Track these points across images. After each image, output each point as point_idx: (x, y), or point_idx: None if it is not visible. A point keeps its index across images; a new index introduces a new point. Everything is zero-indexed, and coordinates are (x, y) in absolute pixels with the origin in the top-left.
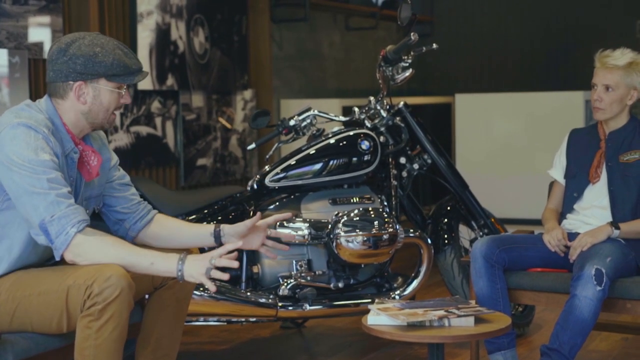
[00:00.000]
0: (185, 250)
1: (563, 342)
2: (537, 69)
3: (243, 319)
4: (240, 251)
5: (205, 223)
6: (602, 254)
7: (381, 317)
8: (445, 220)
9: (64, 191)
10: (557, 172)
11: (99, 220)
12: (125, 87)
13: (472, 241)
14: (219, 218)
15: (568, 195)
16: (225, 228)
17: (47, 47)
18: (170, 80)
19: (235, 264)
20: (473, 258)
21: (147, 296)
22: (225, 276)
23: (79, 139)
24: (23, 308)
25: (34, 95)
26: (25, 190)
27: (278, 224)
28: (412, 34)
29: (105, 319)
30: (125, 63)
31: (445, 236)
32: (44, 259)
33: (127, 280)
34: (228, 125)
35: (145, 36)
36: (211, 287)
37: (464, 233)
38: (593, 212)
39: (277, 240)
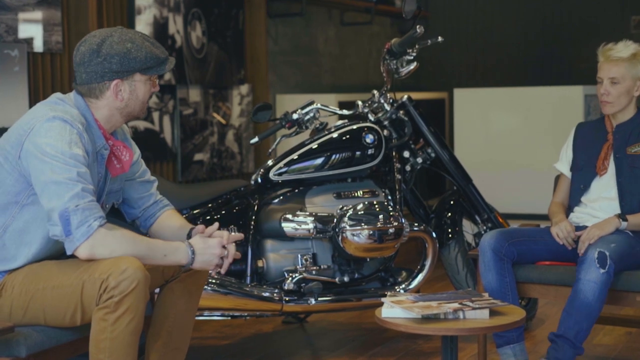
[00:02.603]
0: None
1: (568, 327)
2: (531, 64)
3: (248, 314)
4: (245, 245)
5: (208, 218)
6: (607, 240)
7: (395, 309)
8: (449, 214)
9: (90, 187)
10: (564, 165)
11: (114, 216)
12: (155, 76)
13: (475, 235)
14: (223, 212)
15: (575, 187)
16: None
17: (44, 41)
18: (167, 75)
19: (237, 255)
20: (482, 251)
21: (157, 290)
22: (235, 255)
23: (110, 135)
24: (37, 301)
25: (32, 89)
26: (53, 179)
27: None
28: (417, 27)
29: (121, 312)
30: (156, 54)
31: (449, 230)
32: (59, 254)
33: (143, 272)
34: (223, 121)
35: (142, 30)
36: (223, 270)
37: (468, 227)
38: (601, 204)
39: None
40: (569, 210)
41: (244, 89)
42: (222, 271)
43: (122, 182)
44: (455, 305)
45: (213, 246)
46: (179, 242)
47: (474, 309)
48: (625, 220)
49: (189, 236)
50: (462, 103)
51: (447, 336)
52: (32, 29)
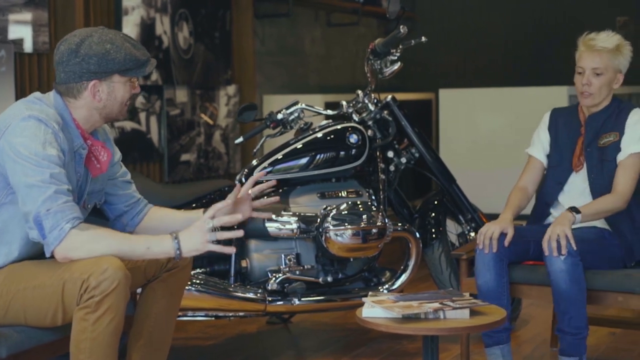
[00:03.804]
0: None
1: (560, 319)
2: (518, 64)
3: (231, 314)
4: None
5: None
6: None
7: (376, 309)
8: (433, 214)
9: (64, 188)
10: (537, 149)
11: (95, 216)
12: (135, 78)
13: (459, 235)
14: None
15: (551, 185)
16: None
17: (31, 41)
18: (154, 75)
19: (240, 233)
20: (481, 251)
21: (138, 290)
22: (239, 232)
23: (88, 134)
24: (17, 301)
25: (19, 90)
26: (26, 182)
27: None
28: (401, 27)
29: (102, 312)
30: (136, 56)
31: (433, 230)
32: (40, 254)
33: (123, 272)
34: (210, 122)
35: (130, 31)
36: (226, 250)
37: (452, 227)
38: (577, 202)
39: (263, 197)
40: (545, 207)
41: (231, 89)
42: (229, 250)
43: (104, 183)
44: (436, 305)
45: (196, 227)
46: (163, 234)
47: (454, 308)
48: (578, 212)
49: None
50: (447, 103)
51: (427, 336)
52: (22, 29)
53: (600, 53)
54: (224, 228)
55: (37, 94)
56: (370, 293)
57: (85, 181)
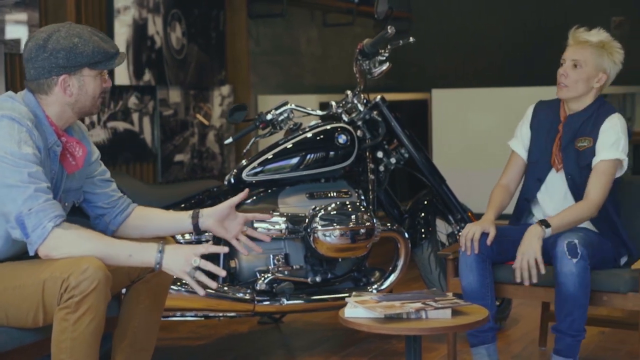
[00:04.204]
0: (161, 240)
1: (561, 319)
2: (514, 65)
3: (220, 314)
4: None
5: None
6: (573, 230)
7: (358, 309)
8: (423, 214)
9: (43, 186)
10: (518, 143)
11: (78, 215)
12: (104, 71)
13: (449, 235)
14: None
15: (532, 181)
16: (205, 212)
17: (23, 42)
18: (147, 76)
19: (222, 273)
20: (463, 252)
21: (123, 290)
22: (214, 284)
23: (62, 131)
24: None
25: (10, 89)
26: (5, 183)
27: (255, 222)
28: (388, 27)
29: (82, 312)
30: (105, 48)
31: (423, 230)
32: (21, 253)
33: (103, 272)
34: (206, 122)
35: (122, 31)
36: (198, 289)
37: (442, 227)
38: (556, 205)
39: (252, 239)
40: (525, 202)
41: (225, 89)
42: (200, 292)
43: (81, 180)
44: (418, 305)
45: (185, 252)
46: (149, 242)
47: (436, 308)
48: (548, 226)
49: (195, 217)
50: (440, 103)
51: (410, 336)
52: (13, 30)
53: (583, 45)
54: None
55: (9, 92)
56: (354, 293)
57: (61, 179)
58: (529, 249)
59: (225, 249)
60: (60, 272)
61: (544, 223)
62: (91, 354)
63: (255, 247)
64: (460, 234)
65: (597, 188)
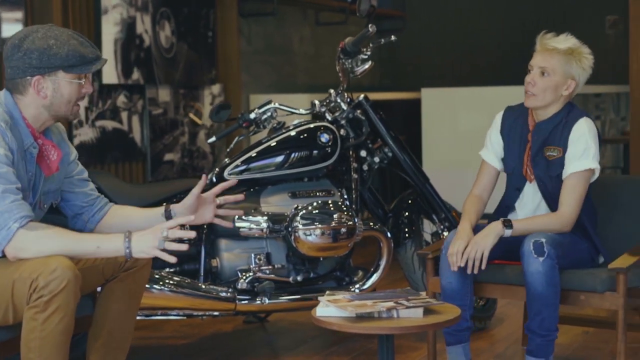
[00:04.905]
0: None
1: (532, 319)
2: (509, 64)
3: (202, 313)
4: (198, 244)
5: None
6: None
7: (330, 308)
8: (407, 213)
9: (12, 187)
10: (489, 152)
11: (55, 214)
12: (85, 76)
13: (433, 235)
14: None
15: (511, 189)
16: (176, 207)
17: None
18: (136, 75)
19: (191, 234)
20: (445, 251)
21: (99, 289)
22: (184, 246)
23: (39, 133)
24: None
25: None
26: None
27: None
28: (369, 25)
29: (51, 311)
30: (81, 52)
31: (406, 230)
32: None
33: (73, 271)
34: (198, 121)
35: (110, 30)
36: (168, 258)
37: (427, 227)
38: (532, 214)
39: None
40: (507, 209)
41: (216, 88)
42: (170, 259)
43: (59, 182)
44: (390, 304)
45: (152, 230)
46: (117, 233)
47: (407, 307)
48: (510, 227)
49: (168, 215)
50: (429, 102)
51: (382, 335)
52: (16, 28)
53: (551, 53)
54: (183, 227)
55: None
56: (327, 292)
57: (39, 180)
58: (483, 241)
59: (191, 217)
60: (29, 273)
61: (507, 223)
62: (60, 353)
63: (236, 212)
64: (445, 237)
65: (569, 203)
